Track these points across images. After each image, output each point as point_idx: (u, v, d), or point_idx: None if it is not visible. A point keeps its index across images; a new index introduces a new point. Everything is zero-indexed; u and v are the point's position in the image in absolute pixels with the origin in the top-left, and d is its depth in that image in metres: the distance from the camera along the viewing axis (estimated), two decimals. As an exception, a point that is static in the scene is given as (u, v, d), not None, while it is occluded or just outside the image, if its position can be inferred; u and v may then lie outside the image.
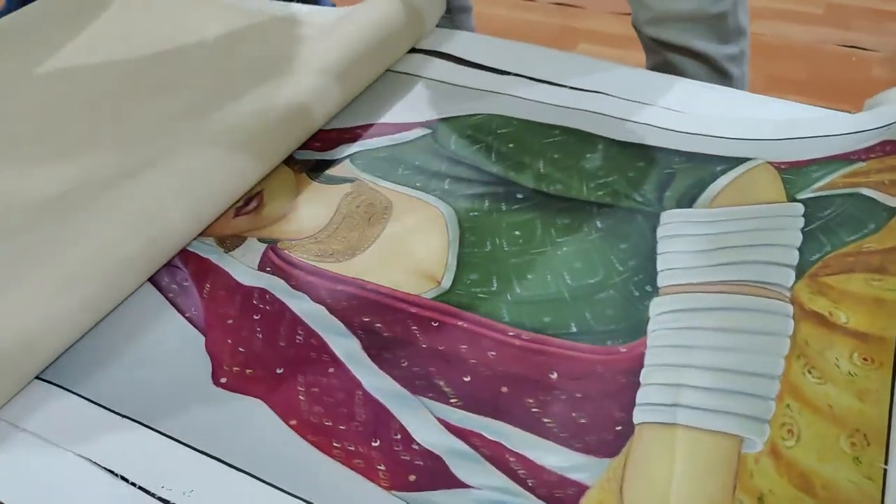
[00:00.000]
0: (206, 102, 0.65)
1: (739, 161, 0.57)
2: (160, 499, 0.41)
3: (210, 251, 0.56)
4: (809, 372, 0.43)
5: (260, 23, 0.78)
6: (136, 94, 0.70)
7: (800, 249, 0.49)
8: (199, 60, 0.73)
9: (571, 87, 0.67)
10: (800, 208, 0.52)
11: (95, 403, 0.46)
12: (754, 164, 0.57)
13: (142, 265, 0.52)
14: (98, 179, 0.58)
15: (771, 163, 0.56)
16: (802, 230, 0.50)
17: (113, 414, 0.45)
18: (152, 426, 0.44)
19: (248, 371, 0.47)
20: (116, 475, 0.42)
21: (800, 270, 0.48)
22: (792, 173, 0.55)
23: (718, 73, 0.75)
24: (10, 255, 0.52)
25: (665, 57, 0.75)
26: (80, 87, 0.71)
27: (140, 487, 0.42)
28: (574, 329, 0.48)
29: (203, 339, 0.49)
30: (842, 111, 0.62)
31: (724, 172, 0.56)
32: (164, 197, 0.54)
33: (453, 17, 0.94)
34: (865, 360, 0.43)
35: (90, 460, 0.43)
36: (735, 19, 0.73)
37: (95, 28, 0.80)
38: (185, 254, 0.55)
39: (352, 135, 0.65)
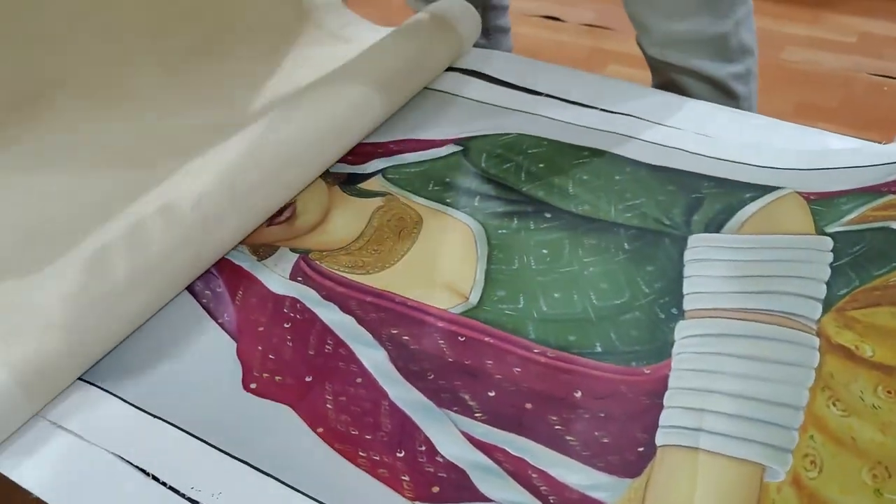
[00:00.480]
0: (253, 114, 0.66)
1: (768, 189, 0.57)
2: (189, 499, 0.42)
3: (244, 259, 0.57)
4: (834, 404, 0.43)
5: (305, 37, 0.79)
6: (181, 105, 0.71)
7: (828, 283, 0.50)
8: (245, 74, 0.75)
9: (602, 109, 0.68)
10: (829, 242, 0.52)
11: (130, 404, 0.47)
12: (783, 193, 0.57)
13: (187, 275, 0.54)
14: (148, 187, 0.59)
15: (800, 193, 0.57)
16: (831, 265, 0.51)
17: (146, 415, 0.47)
18: (184, 428, 0.46)
19: (277, 378, 0.48)
20: (148, 474, 0.43)
21: (827, 304, 0.48)
22: (821, 204, 0.55)
23: (724, 93, 0.75)
24: (59, 260, 0.53)
25: (670, 77, 0.75)
26: (127, 94, 0.72)
27: (170, 487, 0.43)
28: (599, 349, 0.48)
29: (234, 344, 0.51)
30: (872, 140, 0.62)
31: (752, 200, 0.57)
32: (214, 208, 0.55)
33: (490, 37, 0.95)
34: (889, 393, 0.43)
35: (123, 458, 0.44)
36: (738, 38, 0.73)
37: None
38: (219, 261, 0.57)
39: (384, 149, 0.67)
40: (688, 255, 0.54)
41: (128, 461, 0.44)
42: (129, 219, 0.54)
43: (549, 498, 0.41)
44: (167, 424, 0.46)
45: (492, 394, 0.46)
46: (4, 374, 0.44)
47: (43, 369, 0.46)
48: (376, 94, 0.66)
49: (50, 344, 0.46)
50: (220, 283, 0.55)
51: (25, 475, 0.44)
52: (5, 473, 0.44)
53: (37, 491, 0.43)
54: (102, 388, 0.48)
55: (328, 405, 0.46)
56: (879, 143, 0.62)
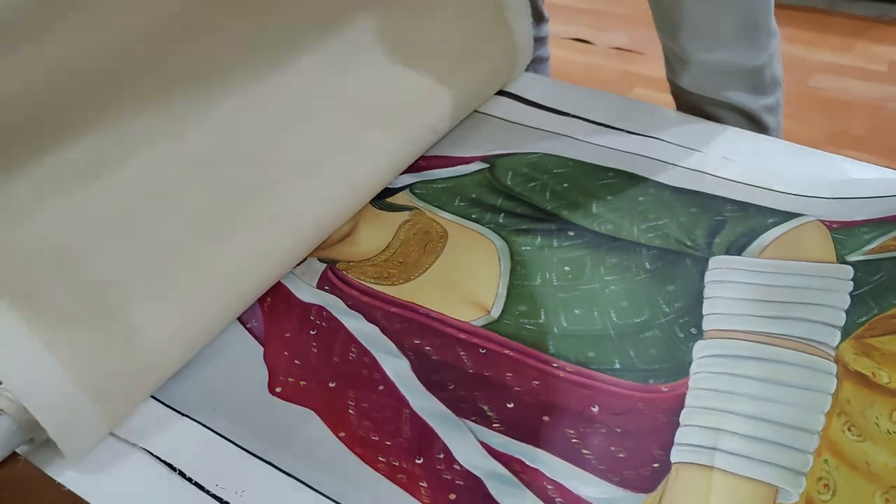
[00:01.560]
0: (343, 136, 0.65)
1: (791, 216, 0.58)
2: (213, 496, 0.43)
3: (273, 266, 0.59)
4: (849, 430, 0.44)
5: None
6: (259, 122, 0.67)
7: (847, 311, 0.50)
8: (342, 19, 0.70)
9: (628, 132, 0.69)
10: (849, 271, 0.53)
11: (158, 401, 0.49)
12: (806, 220, 0.57)
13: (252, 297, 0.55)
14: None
15: (822, 221, 0.57)
16: (851, 293, 0.51)
17: (174, 412, 0.48)
18: (210, 427, 0.47)
19: (302, 383, 0.50)
20: (174, 469, 0.45)
21: (846, 331, 0.49)
22: (843, 233, 0.56)
23: (755, 125, 0.76)
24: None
25: (702, 109, 0.76)
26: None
27: (195, 483, 0.44)
28: (617, 365, 0.49)
29: (262, 349, 0.52)
30: (900, 170, 0.62)
31: (775, 225, 0.57)
32: (294, 239, 0.56)
33: (528, 66, 0.95)
34: (906, 419, 0.44)
35: (150, 453, 0.46)
36: (771, 71, 0.74)
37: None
38: (249, 267, 0.58)
39: (413, 165, 0.68)
40: (708, 276, 0.54)
41: (155, 456, 0.45)
42: (207, 236, 0.53)
43: (564, 509, 0.42)
44: (194, 422, 0.47)
45: (510, 405, 0.47)
46: (84, 399, 0.44)
47: (120, 389, 0.46)
48: (450, 120, 0.68)
49: (140, 369, 0.47)
50: (250, 288, 0.57)
51: (56, 467, 0.45)
52: (39, 466, 0.46)
53: (66, 483, 0.45)
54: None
55: (350, 411, 0.48)
56: (907, 172, 0.62)
